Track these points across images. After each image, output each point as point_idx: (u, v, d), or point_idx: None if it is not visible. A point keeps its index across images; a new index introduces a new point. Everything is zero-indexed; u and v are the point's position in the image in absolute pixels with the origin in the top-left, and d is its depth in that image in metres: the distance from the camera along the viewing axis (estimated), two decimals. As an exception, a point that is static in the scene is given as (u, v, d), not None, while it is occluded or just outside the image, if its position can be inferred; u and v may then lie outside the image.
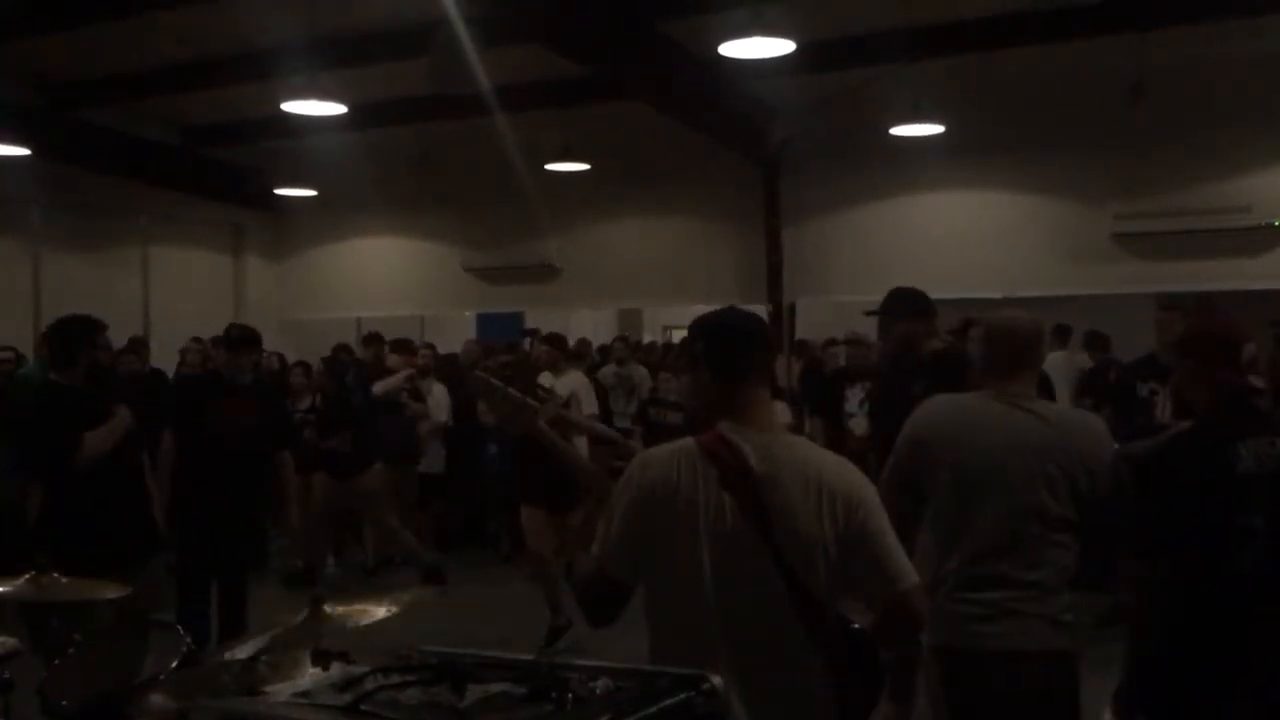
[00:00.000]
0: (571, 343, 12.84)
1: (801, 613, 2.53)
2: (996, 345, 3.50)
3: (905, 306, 4.90)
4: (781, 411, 7.14)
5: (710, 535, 2.52)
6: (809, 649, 2.55)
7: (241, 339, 6.48)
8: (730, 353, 2.68)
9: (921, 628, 2.65)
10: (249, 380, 6.48)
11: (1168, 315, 7.46)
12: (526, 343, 10.97)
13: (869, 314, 5.31)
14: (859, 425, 8.24)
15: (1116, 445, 3.39)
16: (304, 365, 10.52)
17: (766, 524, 2.51)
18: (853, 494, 2.57)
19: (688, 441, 2.63)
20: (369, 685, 2.03)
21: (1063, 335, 11.18)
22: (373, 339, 10.58)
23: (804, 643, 2.54)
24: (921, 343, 4.86)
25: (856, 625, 2.65)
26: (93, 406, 5.55)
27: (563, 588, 7.02)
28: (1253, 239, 9.47)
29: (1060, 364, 10.93)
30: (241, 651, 2.53)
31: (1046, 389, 5.71)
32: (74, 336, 5.59)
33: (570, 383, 9.05)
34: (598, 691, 1.94)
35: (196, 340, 10.80)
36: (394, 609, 2.75)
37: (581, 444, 8.86)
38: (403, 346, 10.43)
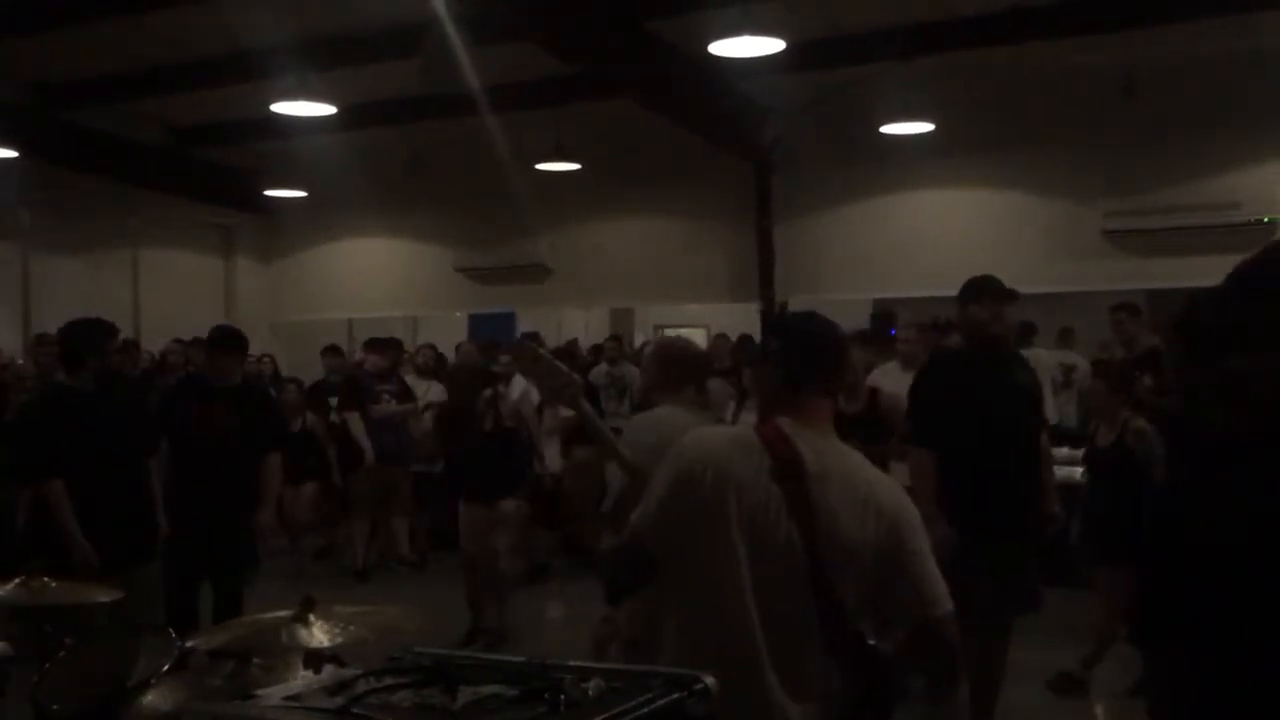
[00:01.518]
0: (562, 342, 12.86)
1: (824, 617, 2.53)
2: (669, 363, 4.22)
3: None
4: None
5: (750, 522, 2.54)
6: (828, 657, 2.55)
7: (223, 341, 6.31)
8: (803, 356, 2.73)
9: (954, 656, 2.64)
10: (236, 383, 6.35)
11: (1115, 315, 7.61)
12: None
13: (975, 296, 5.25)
14: None
15: None
16: (297, 383, 10.52)
17: (808, 520, 2.52)
18: (899, 513, 2.60)
19: (745, 429, 2.70)
20: (360, 688, 2.02)
21: (1027, 332, 11.14)
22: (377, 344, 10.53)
23: (820, 645, 2.54)
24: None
25: (872, 642, 2.64)
26: (97, 411, 5.54)
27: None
28: (1242, 235, 9.46)
29: (1033, 362, 10.89)
30: (211, 640, 2.52)
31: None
32: (81, 340, 5.59)
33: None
34: (590, 693, 1.94)
35: (178, 341, 10.78)
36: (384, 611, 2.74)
37: (553, 447, 8.90)
38: (378, 346, 10.39)
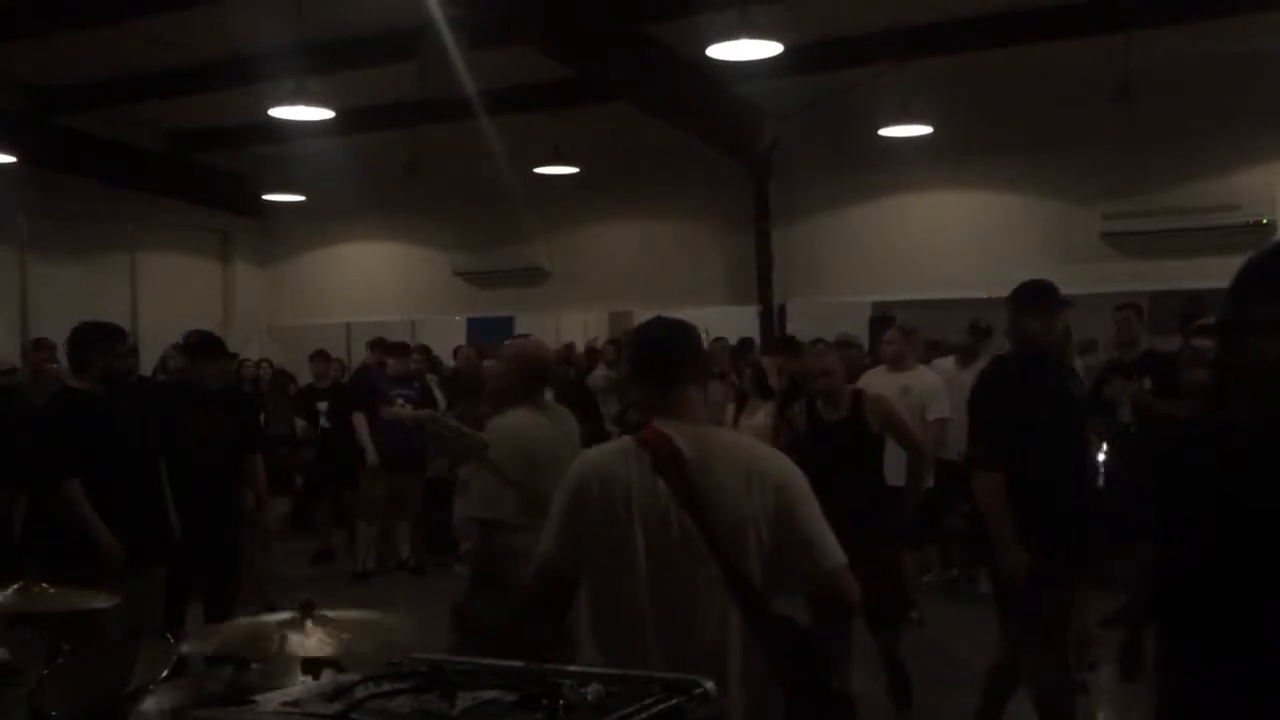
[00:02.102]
0: (560, 345, 12.84)
1: (735, 595, 2.61)
2: (527, 368, 4.41)
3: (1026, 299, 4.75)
4: (767, 413, 7.16)
5: (644, 519, 2.65)
6: (743, 632, 2.62)
7: (204, 346, 6.34)
8: (656, 361, 2.88)
9: (851, 607, 2.80)
10: (216, 388, 6.35)
11: (1122, 314, 7.57)
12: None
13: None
14: None
15: None
16: (293, 381, 10.50)
17: (698, 506, 2.63)
18: (781, 478, 2.71)
19: (625, 438, 2.82)
20: (359, 694, 2.02)
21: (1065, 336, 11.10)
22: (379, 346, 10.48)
23: (737, 626, 2.62)
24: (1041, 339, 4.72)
25: (798, 621, 2.72)
26: (106, 412, 5.54)
27: None
28: (1241, 236, 9.47)
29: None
30: (200, 645, 2.50)
31: None
32: (87, 342, 5.61)
33: None
34: (589, 698, 1.93)
35: (176, 346, 10.74)
36: (384, 616, 2.74)
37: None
38: (399, 350, 10.34)
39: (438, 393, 10.12)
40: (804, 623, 2.73)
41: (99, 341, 5.60)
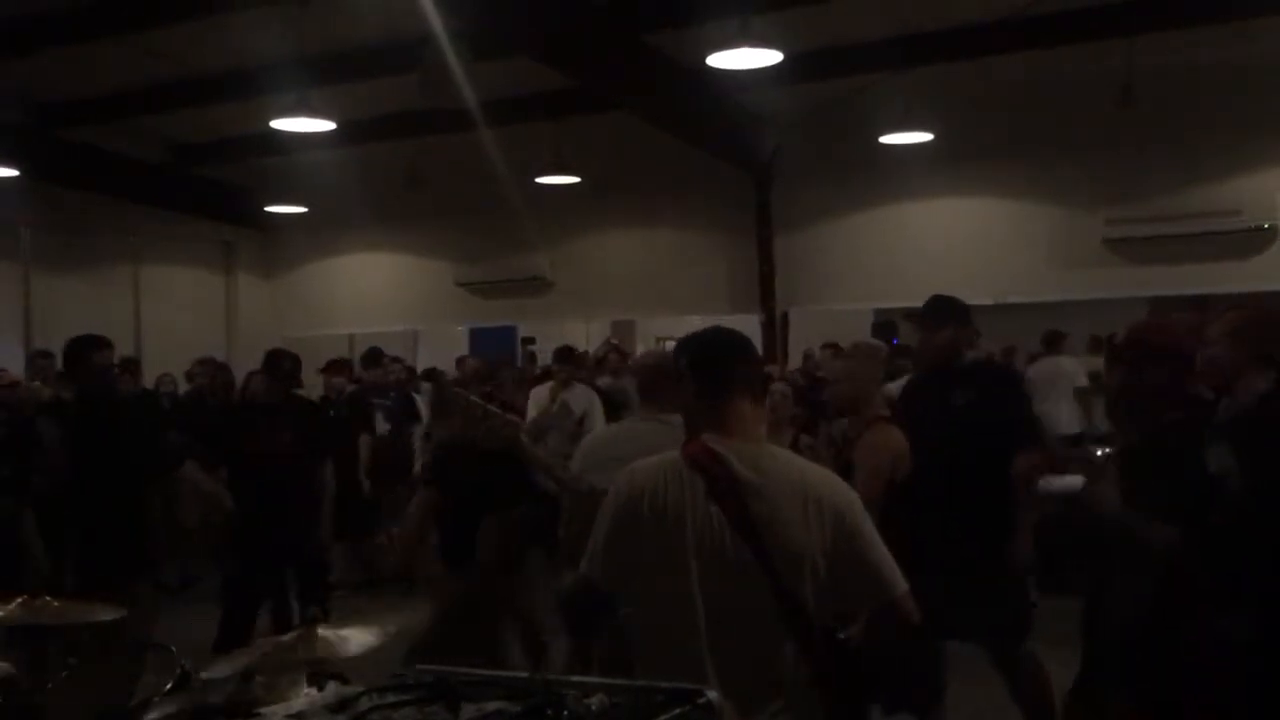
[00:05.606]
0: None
1: (789, 622, 2.55)
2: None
3: (948, 313, 4.81)
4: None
5: (698, 545, 2.55)
6: (796, 657, 2.56)
7: (278, 367, 6.46)
8: (712, 369, 2.74)
9: (915, 633, 2.66)
10: (279, 402, 6.46)
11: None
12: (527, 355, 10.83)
13: (908, 317, 5.21)
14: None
15: None
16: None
17: (755, 533, 2.53)
18: (840, 503, 2.60)
19: (673, 453, 2.67)
20: (363, 705, 2.02)
21: (1054, 341, 11.07)
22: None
23: (791, 651, 2.56)
24: (963, 352, 4.82)
25: (842, 635, 2.67)
26: (83, 425, 5.54)
27: None
28: (1244, 242, 9.49)
29: (1052, 370, 10.86)
30: (222, 670, 2.50)
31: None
32: (68, 355, 5.65)
33: (582, 399, 8.65)
34: (593, 708, 1.93)
35: (202, 363, 10.74)
36: (390, 630, 2.73)
37: None
38: (374, 359, 10.21)
39: (420, 401, 10.01)
40: (854, 642, 2.65)
41: (74, 353, 5.65)
